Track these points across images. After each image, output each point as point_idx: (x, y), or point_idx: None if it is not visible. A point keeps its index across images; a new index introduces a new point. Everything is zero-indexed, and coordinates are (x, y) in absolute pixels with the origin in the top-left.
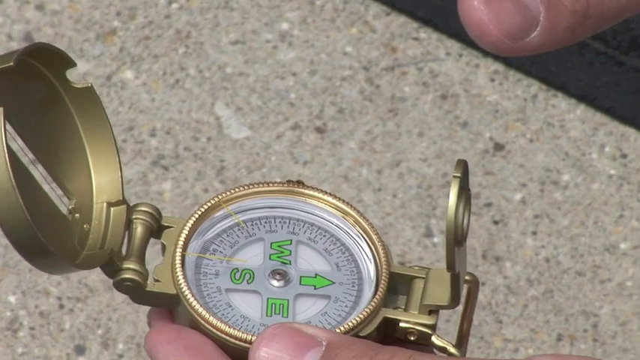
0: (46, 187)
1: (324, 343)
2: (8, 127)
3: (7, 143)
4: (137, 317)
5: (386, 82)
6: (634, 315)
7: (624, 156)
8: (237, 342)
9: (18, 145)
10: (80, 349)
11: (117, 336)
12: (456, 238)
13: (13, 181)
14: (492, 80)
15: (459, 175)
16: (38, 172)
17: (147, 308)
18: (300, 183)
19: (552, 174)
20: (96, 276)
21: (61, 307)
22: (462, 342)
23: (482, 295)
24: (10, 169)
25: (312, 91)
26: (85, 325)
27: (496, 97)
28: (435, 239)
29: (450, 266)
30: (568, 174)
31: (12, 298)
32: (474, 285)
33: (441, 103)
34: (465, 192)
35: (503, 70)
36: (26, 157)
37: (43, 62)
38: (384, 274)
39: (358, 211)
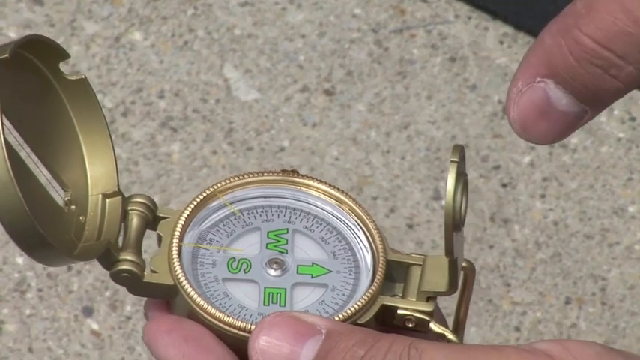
0: (42, 180)
1: (323, 332)
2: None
3: (5, 136)
4: None
5: (394, 45)
6: None
7: (633, 119)
8: (235, 331)
9: (14, 137)
10: (88, 311)
11: (125, 298)
12: (454, 223)
13: (12, 173)
14: (501, 43)
15: (456, 159)
16: (34, 165)
17: None
18: (294, 172)
19: None
20: None
21: (69, 268)
22: (459, 328)
23: (491, 258)
24: (8, 161)
25: (321, 53)
26: (93, 287)
27: (505, 60)
28: (443, 202)
29: (449, 251)
30: (577, 137)
31: (20, 260)
32: (471, 271)
33: (449, 65)
34: (462, 177)
35: (512, 32)
36: (22, 149)
37: (36, 54)
38: (381, 261)
39: (354, 200)
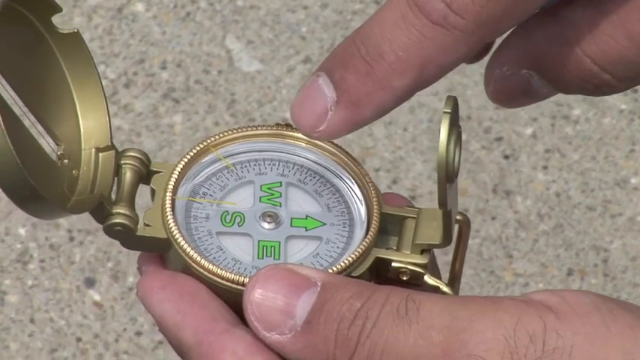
0: (34, 133)
1: (319, 284)
2: None
3: None
4: None
5: None
6: None
7: (635, 91)
8: (229, 284)
9: (7, 91)
10: (90, 282)
11: (127, 269)
12: (448, 175)
13: (3, 126)
14: None
15: (449, 110)
16: (27, 119)
17: None
18: (288, 126)
19: (563, 108)
20: None
21: (72, 239)
22: (454, 281)
23: (493, 229)
24: None
25: (324, 24)
26: (95, 258)
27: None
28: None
29: (442, 203)
30: (579, 108)
31: (22, 231)
32: (466, 224)
33: None
34: (455, 128)
35: None
36: (15, 103)
37: (28, 8)
38: (375, 214)
39: (347, 153)
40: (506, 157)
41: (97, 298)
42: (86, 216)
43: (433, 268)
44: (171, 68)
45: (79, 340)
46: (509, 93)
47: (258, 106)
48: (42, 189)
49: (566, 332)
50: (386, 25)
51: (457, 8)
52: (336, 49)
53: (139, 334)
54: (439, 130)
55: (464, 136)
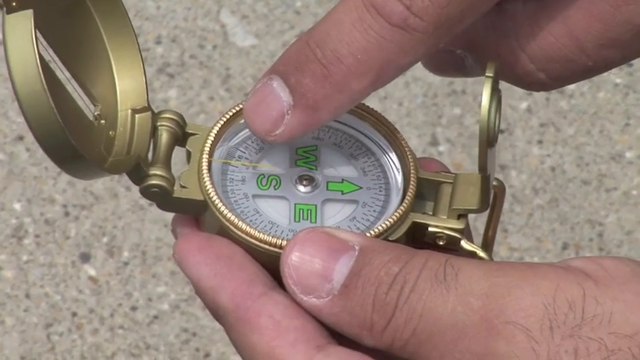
0: (73, 94)
1: (356, 248)
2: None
3: (38, 48)
4: (142, 225)
5: None
6: (639, 224)
7: (630, 64)
8: (266, 247)
9: (46, 51)
10: (85, 257)
11: (122, 244)
12: (489, 139)
13: (45, 85)
14: None
15: (491, 75)
16: (65, 79)
17: (152, 216)
18: None
19: None
20: (101, 184)
21: (67, 214)
22: (487, 246)
23: None
24: (41, 73)
25: None
26: (90, 233)
27: None
28: (441, 147)
29: (482, 168)
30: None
31: (17, 206)
32: (501, 190)
33: None
34: (496, 92)
35: None
36: (54, 63)
37: None
38: (412, 178)
39: (384, 118)
40: (501, 131)
41: (92, 273)
42: (81, 191)
43: (467, 233)
44: (166, 43)
45: (74, 315)
46: (442, 65)
47: (253, 81)
48: (81, 149)
49: (605, 299)
50: (343, 27)
51: (417, 10)
52: (288, 52)
53: (134, 308)
54: (436, 104)
55: (459, 110)
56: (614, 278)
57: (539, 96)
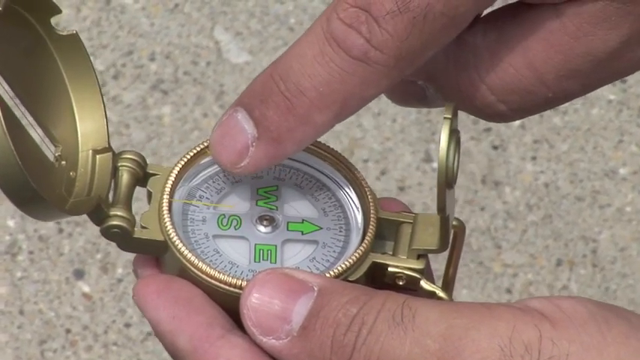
0: (33, 135)
1: (315, 289)
2: None
3: None
4: None
5: None
6: (633, 240)
7: (624, 81)
8: (226, 287)
9: (5, 91)
10: (79, 274)
11: (116, 260)
12: (447, 180)
13: (5, 127)
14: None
15: (449, 116)
16: (26, 120)
17: None
18: None
19: None
20: None
21: (60, 231)
22: (448, 286)
23: (482, 220)
24: (1, 115)
25: (312, 15)
26: (84, 250)
27: None
28: (434, 164)
29: (441, 208)
30: None
31: (11, 222)
32: (461, 230)
33: None
34: (455, 134)
35: None
36: (14, 104)
37: (28, 9)
38: (372, 219)
39: (344, 158)
40: (495, 147)
41: (86, 289)
42: None
43: (427, 273)
44: (160, 60)
45: (68, 331)
46: (404, 96)
47: None
48: (41, 190)
49: (562, 341)
50: (305, 60)
51: (377, 43)
52: (253, 84)
53: (128, 325)
54: (429, 120)
55: None
56: (572, 319)
57: None
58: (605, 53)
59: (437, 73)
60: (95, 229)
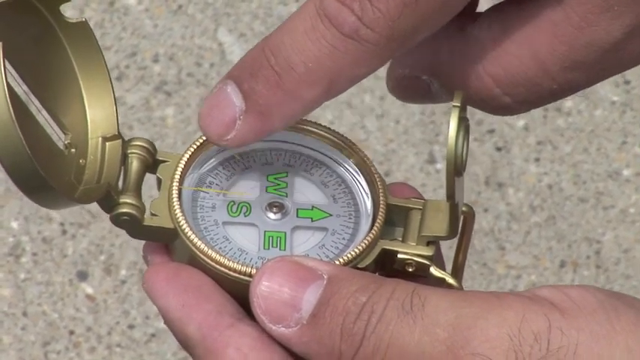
0: (43, 123)
1: (325, 277)
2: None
3: (6, 78)
4: (139, 243)
5: None
6: (637, 242)
7: (627, 82)
8: (235, 275)
9: (16, 80)
10: (83, 275)
11: (119, 262)
12: (456, 168)
13: (13, 115)
14: None
15: (458, 104)
16: (35, 108)
17: None
18: None
19: None
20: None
21: (64, 232)
22: (457, 273)
23: (485, 221)
24: (9, 103)
25: None
26: (87, 251)
27: None
28: (438, 165)
29: (450, 196)
30: (571, 100)
31: (14, 224)
32: (470, 216)
33: None
34: (464, 122)
35: None
36: (23, 92)
37: None
38: (381, 205)
39: (353, 143)
40: (499, 149)
41: (89, 291)
42: (78, 209)
43: (438, 259)
44: (163, 61)
45: (71, 333)
46: (408, 92)
47: None
48: (50, 179)
49: (571, 331)
50: (296, 35)
51: (368, 22)
52: (245, 57)
53: (131, 327)
54: (433, 121)
55: None
56: (580, 308)
57: (537, 114)
58: (609, 44)
59: (442, 68)
60: (99, 231)
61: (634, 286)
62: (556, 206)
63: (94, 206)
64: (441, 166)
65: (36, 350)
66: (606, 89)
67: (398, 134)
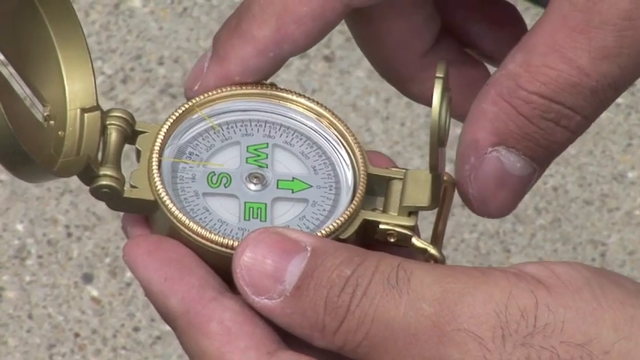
0: (21, 95)
1: (309, 249)
2: None
3: None
4: None
5: None
6: None
7: (633, 85)
8: (216, 247)
9: None
10: (88, 278)
11: (124, 264)
12: (440, 139)
13: None
14: None
15: (441, 75)
16: (14, 80)
17: None
18: (273, 85)
19: None
20: (104, 205)
21: (69, 235)
22: (436, 241)
23: (491, 224)
24: None
25: None
26: (92, 254)
27: None
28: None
29: (433, 167)
30: None
31: (20, 227)
32: (451, 185)
33: None
34: (447, 92)
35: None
36: (2, 65)
37: None
38: (362, 175)
39: (333, 113)
40: None
41: (94, 293)
42: (84, 211)
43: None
44: (169, 64)
45: (77, 335)
46: (489, 185)
47: None
48: (32, 153)
49: (558, 308)
50: None
51: None
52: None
53: (136, 329)
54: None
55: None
56: (567, 285)
57: None
58: (621, 18)
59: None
60: (104, 233)
61: None
62: (561, 208)
63: (100, 209)
64: (447, 168)
65: (41, 353)
66: None
67: (403, 137)
